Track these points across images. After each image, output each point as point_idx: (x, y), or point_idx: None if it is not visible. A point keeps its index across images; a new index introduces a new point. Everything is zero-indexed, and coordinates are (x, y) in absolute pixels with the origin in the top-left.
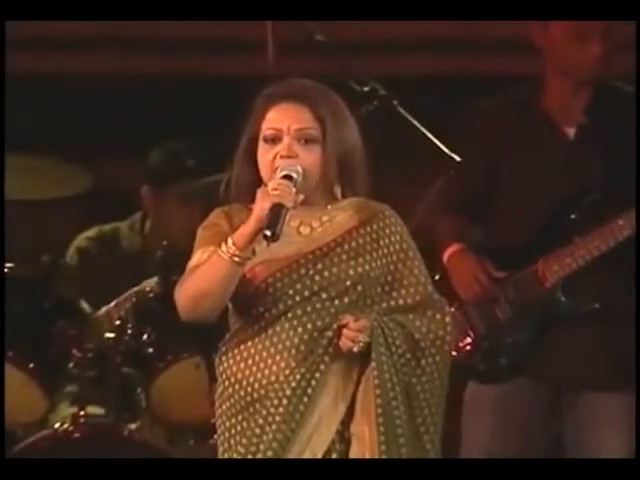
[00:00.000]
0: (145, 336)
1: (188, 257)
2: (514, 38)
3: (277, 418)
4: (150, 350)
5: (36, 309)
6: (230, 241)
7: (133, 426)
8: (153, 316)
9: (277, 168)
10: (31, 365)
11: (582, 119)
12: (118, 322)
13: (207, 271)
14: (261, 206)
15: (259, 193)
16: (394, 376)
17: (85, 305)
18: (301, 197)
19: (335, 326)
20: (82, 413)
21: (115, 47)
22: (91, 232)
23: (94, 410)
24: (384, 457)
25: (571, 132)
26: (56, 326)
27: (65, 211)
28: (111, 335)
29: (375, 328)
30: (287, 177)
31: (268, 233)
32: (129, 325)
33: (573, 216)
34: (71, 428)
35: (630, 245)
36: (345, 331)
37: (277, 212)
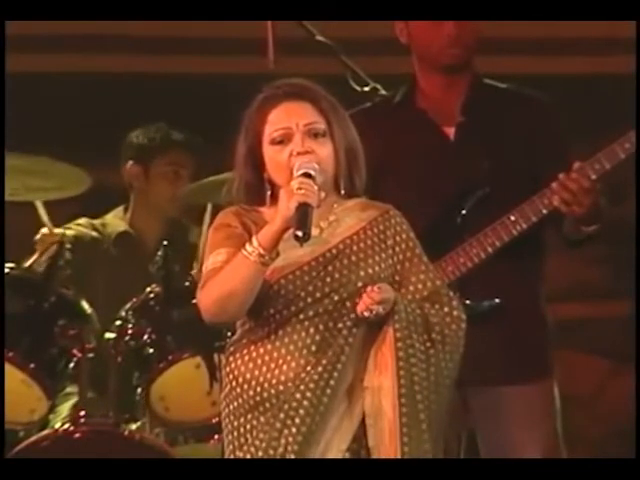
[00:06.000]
0: (145, 336)
1: (188, 257)
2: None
3: (297, 420)
4: (150, 350)
5: (36, 309)
6: (255, 242)
7: (133, 426)
8: (153, 316)
9: (293, 167)
10: (31, 365)
11: (460, 118)
12: (118, 322)
13: (232, 272)
14: (288, 206)
15: (283, 193)
16: (415, 341)
17: (85, 305)
18: (322, 195)
19: (360, 284)
20: (82, 413)
21: (115, 47)
22: (82, 220)
23: (94, 410)
24: (404, 410)
25: (451, 132)
26: (56, 326)
27: (65, 211)
28: (111, 335)
29: (398, 304)
30: (307, 175)
31: (300, 234)
32: (129, 325)
33: (463, 213)
34: (71, 428)
35: (527, 238)
36: (365, 297)
37: (304, 211)
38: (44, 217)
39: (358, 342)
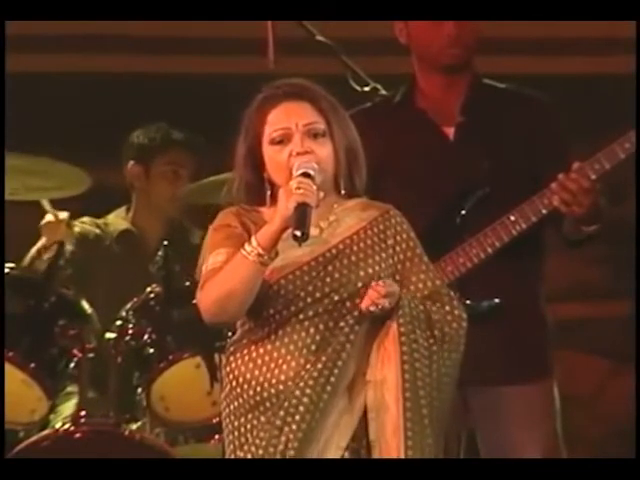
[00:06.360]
0: (145, 336)
1: (188, 257)
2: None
3: (297, 417)
4: (150, 350)
5: (36, 309)
6: (254, 241)
7: (133, 426)
8: (153, 316)
9: (293, 167)
10: (31, 365)
11: (460, 118)
12: (119, 322)
13: (231, 272)
14: (286, 206)
15: (282, 193)
16: (419, 337)
17: (85, 305)
18: (321, 194)
19: (360, 284)
20: (82, 413)
21: (115, 47)
22: (85, 219)
23: (94, 410)
24: (408, 404)
25: (450, 132)
26: (56, 326)
27: (65, 211)
28: (111, 335)
29: (402, 299)
30: (306, 175)
31: (298, 233)
32: (129, 325)
33: (463, 213)
34: (71, 428)
35: (527, 238)
36: (371, 292)
37: (303, 211)
38: (47, 206)
39: (360, 339)
